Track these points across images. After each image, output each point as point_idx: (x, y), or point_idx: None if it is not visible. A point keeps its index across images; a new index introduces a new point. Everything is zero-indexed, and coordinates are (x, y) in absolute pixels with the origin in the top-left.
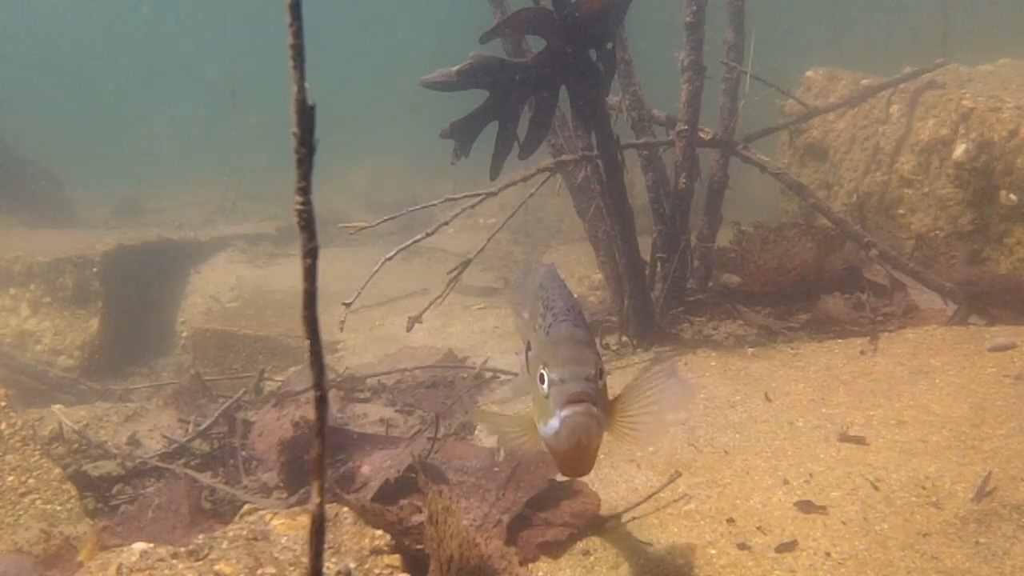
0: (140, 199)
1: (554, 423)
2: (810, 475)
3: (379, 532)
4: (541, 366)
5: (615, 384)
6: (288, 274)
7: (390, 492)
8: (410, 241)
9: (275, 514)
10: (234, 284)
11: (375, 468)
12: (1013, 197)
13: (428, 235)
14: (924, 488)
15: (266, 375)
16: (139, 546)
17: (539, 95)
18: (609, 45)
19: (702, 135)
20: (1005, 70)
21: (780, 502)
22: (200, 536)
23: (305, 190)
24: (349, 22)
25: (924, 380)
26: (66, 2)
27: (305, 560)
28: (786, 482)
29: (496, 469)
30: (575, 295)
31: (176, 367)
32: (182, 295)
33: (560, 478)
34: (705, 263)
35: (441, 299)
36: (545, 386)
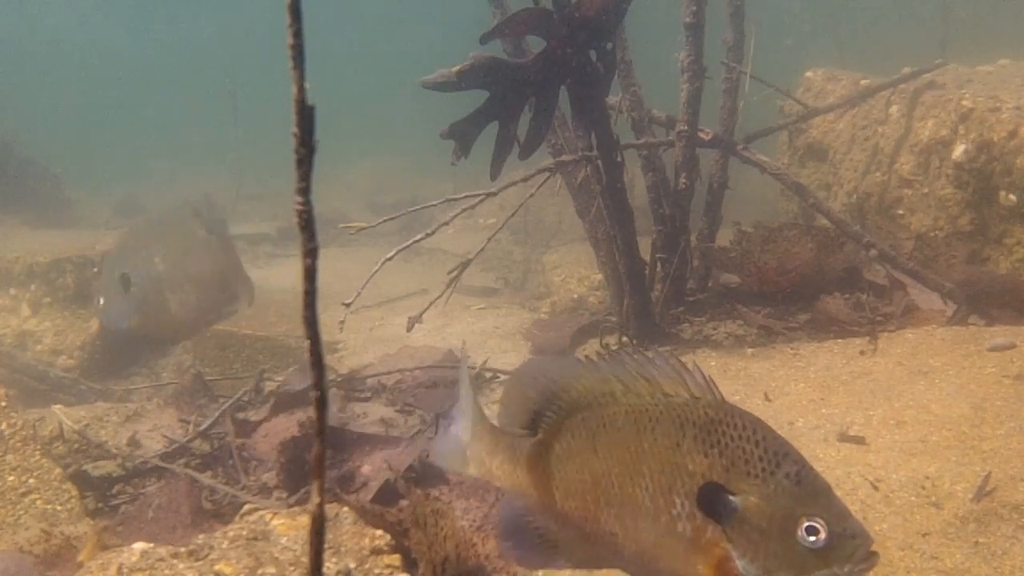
0: (140, 199)
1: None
2: None
3: (379, 532)
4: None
5: None
6: (288, 274)
7: (391, 492)
8: (410, 241)
9: (275, 514)
10: None
11: (375, 468)
12: (1012, 197)
13: (428, 235)
14: (924, 488)
15: (266, 375)
16: (139, 546)
17: (539, 95)
18: (609, 45)
19: (702, 135)
20: (1005, 70)
21: None
22: (200, 536)
23: (305, 190)
24: (349, 23)
25: (924, 380)
26: (66, 2)
27: (305, 560)
28: None
29: None
30: (575, 295)
31: (176, 367)
32: None
33: None
34: (705, 263)
35: (444, 299)
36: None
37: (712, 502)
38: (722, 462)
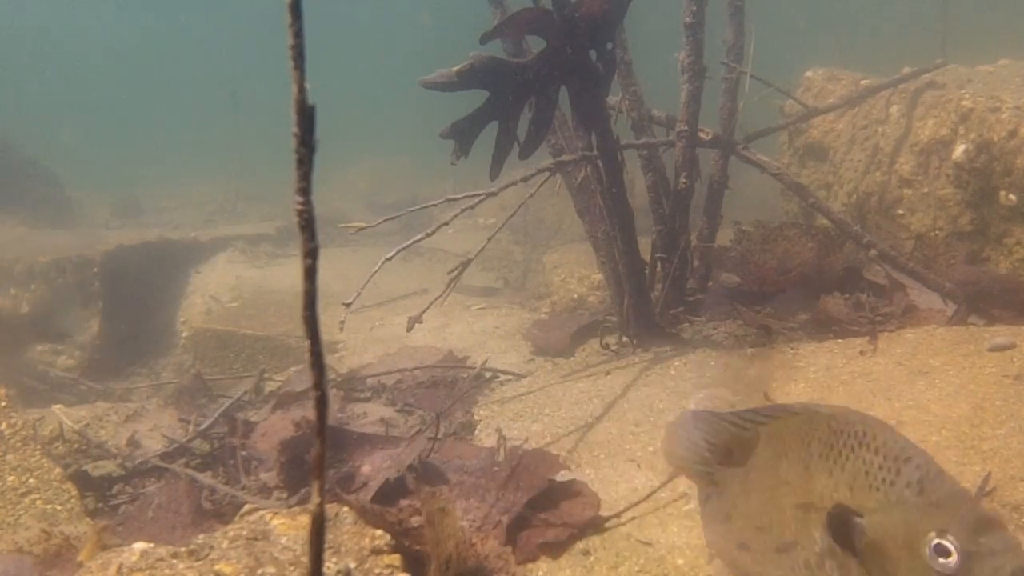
0: (140, 199)
1: None
2: None
3: (379, 532)
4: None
5: (615, 384)
6: (288, 274)
7: (390, 492)
8: (410, 241)
9: (275, 514)
10: (234, 284)
11: (375, 468)
12: (1012, 197)
13: (428, 235)
14: None
15: (266, 375)
16: (139, 546)
17: (539, 95)
18: (609, 45)
19: (702, 135)
20: (1005, 70)
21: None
22: (200, 536)
23: (305, 190)
24: (349, 22)
25: (923, 380)
26: (66, 3)
27: (305, 560)
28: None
29: (496, 469)
30: (575, 295)
31: (176, 367)
32: (182, 295)
33: (560, 478)
34: (705, 263)
35: (442, 299)
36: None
37: (843, 530)
38: (844, 478)
